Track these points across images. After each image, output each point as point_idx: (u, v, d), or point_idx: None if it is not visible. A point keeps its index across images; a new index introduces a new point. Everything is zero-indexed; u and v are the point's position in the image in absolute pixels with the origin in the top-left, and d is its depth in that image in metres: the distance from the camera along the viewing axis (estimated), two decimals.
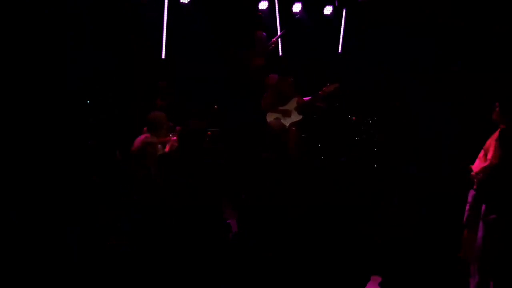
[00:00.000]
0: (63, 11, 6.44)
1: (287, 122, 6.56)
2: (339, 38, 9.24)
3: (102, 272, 4.26)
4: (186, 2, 7.60)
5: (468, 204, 4.47)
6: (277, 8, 8.55)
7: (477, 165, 4.40)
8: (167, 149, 5.24)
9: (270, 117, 6.59)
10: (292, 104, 6.60)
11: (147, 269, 4.14)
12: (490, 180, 4.20)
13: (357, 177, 6.49)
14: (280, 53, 8.55)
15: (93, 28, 6.81)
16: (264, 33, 7.54)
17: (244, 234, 4.79)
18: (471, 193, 4.42)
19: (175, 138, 5.20)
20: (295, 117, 6.55)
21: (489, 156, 4.23)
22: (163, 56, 7.57)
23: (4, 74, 5.74)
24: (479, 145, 4.43)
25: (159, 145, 5.19)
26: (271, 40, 7.70)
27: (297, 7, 8.56)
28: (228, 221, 5.62)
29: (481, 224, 4.20)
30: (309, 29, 8.66)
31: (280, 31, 8.39)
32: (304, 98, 6.60)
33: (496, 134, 4.26)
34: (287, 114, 6.56)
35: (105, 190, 5.18)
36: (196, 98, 7.15)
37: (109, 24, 7.00)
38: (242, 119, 6.89)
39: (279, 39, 8.31)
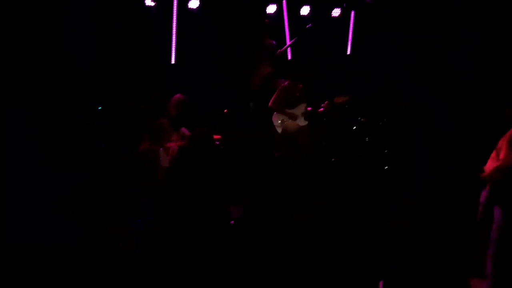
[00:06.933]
0: (73, 16, 6.54)
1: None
2: (348, 40, 9.24)
3: (112, 274, 4.28)
4: (195, 8, 7.65)
5: (480, 205, 4.44)
6: (285, 12, 8.56)
7: (489, 165, 4.37)
8: (169, 156, 5.30)
9: (277, 119, 6.59)
10: (299, 109, 6.60)
11: (156, 269, 4.17)
12: (502, 181, 4.16)
13: (367, 178, 6.46)
14: (289, 58, 8.54)
15: (102, 33, 6.89)
16: (274, 42, 7.52)
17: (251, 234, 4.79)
18: (484, 193, 4.39)
19: (174, 144, 5.28)
20: (301, 122, 6.55)
21: (501, 156, 4.20)
22: (173, 62, 7.63)
23: (20, 76, 5.82)
24: (490, 145, 4.40)
25: (161, 149, 5.25)
26: (281, 48, 7.64)
27: (305, 10, 8.57)
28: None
29: (494, 226, 4.16)
30: (317, 31, 8.65)
31: (289, 35, 8.38)
32: (308, 108, 6.62)
33: (508, 134, 4.24)
34: (293, 117, 6.55)
35: (116, 191, 5.21)
36: (205, 103, 7.17)
37: (118, 29, 7.08)
38: (250, 124, 6.89)
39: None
